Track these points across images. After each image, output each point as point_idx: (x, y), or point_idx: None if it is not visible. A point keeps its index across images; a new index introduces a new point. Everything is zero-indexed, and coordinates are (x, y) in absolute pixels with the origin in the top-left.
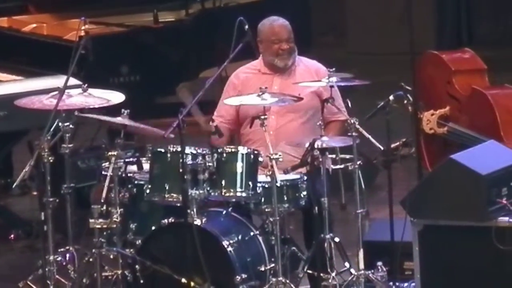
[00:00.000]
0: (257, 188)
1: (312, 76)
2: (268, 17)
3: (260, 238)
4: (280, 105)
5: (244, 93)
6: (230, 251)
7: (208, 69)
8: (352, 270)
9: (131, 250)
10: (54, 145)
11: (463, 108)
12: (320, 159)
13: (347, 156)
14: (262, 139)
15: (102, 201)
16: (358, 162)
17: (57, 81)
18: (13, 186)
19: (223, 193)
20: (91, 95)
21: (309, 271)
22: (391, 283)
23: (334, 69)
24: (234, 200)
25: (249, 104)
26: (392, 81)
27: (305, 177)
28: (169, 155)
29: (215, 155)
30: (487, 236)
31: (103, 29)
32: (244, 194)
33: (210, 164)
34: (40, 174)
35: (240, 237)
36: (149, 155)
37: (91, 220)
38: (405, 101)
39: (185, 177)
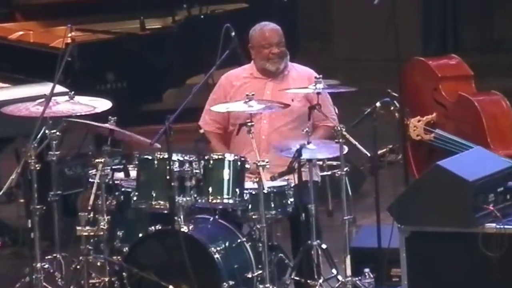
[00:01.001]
0: (244, 195)
1: (304, 82)
2: (256, 23)
3: (247, 245)
4: (267, 111)
5: (235, 99)
6: (217, 258)
7: (195, 76)
8: (339, 277)
9: (118, 257)
10: (41, 152)
11: (450, 114)
12: (307, 166)
13: (334, 163)
14: (251, 146)
15: (89, 208)
16: (345, 169)
17: (44, 88)
18: (0, 193)
19: (210, 200)
20: (78, 103)
21: (296, 278)
22: None
23: (321, 76)
24: (221, 207)
25: (236, 111)
26: (379, 87)
27: (292, 184)
28: (156, 162)
29: (202, 162)
30: (474, 242)
31: (89, 36)
32: (231, 201)
33: (197, 171)
34: (26, 181)
35: (227, 244)
36: (136, 162)
37: (78, 228)
38: (392, 108)
39: (172, 184)
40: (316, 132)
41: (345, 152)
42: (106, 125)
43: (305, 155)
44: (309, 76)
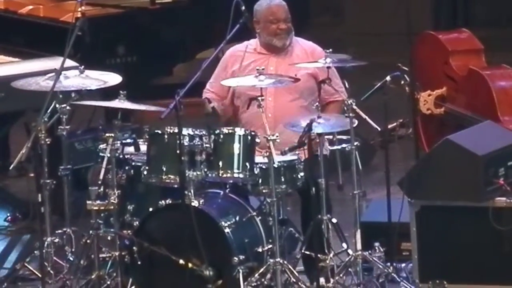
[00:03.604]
0: (255, 169)
1: (307, 57)
2: None
3: (257, 219)
4: (277, 86)
5: (240, 73)
6: (227, 232)
7: (205, 50)
8: (350, 251)
9: (129, 231)
10: (51, 126)
11: (460, 88)
12: (317, 141)
13: (344, 137)
14: (261, 122)
15: (100, 182)
16: (355, 143)
17: (54, 62)
18: (10, 167)
19: (220, 174)
20: (88, 77)
21: (307, 252)
22: (388, 264)
23: (331, 50)
24: (231, 181)
25: (246, 85)
26: (389, 61)
27: (302, 158)
28: (166, 136)
29: (212, 136)
30: (484, 216)
31: (99, 10)
32: (241, 175)
33: (207, 145)
34: (37, 155)
35: (237, 218)
36: (146, 136)
37: (89, 202)
38: (402, 82)
39: (182, 158)
40: (326, 109)
41: (355, 125)
42: (115, 102)
43: (316, 129)
44: (313, 51)
